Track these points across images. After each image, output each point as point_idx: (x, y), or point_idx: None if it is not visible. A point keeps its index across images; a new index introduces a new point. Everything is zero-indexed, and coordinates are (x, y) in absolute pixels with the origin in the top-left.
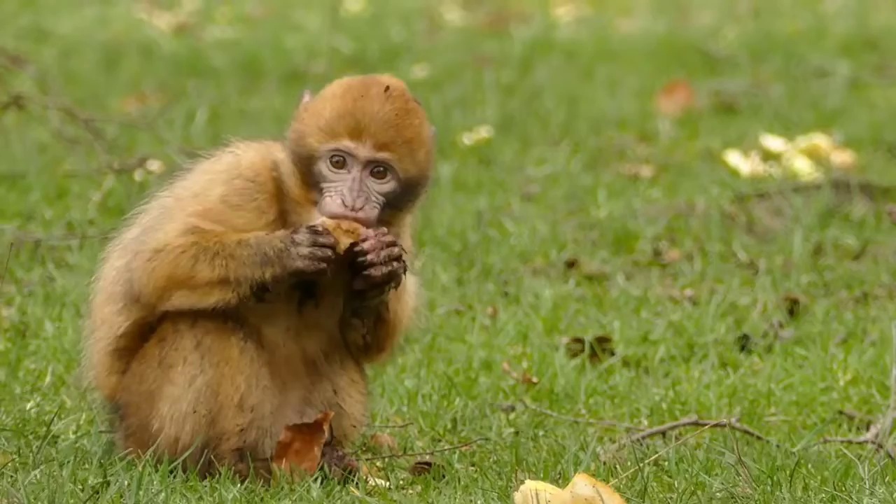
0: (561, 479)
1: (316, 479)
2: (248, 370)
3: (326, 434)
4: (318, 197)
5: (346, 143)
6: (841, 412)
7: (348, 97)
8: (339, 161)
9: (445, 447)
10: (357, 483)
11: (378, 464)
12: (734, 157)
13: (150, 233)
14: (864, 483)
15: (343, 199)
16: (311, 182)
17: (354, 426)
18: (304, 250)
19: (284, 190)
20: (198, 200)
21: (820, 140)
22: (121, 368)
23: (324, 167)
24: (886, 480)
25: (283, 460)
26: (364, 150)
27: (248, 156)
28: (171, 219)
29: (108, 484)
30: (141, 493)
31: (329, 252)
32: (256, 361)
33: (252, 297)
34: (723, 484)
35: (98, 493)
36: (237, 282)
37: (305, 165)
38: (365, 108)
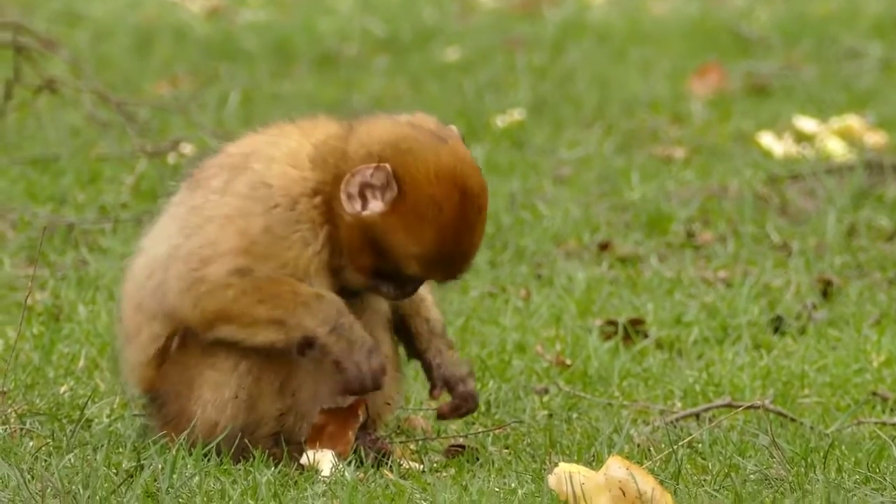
0: (595, 462)
1: (350, 462)
2: (290, 354)
3: (362, 418)
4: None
5: (434, 275)
6: (875, 393)
7: (450, 229)
8: None
9: (479, 430)
10: (391, 466)
11: (412, 447)
12: (767, 139)
13: (188, 259)
14: None
15: None
16: (370, 259)
17: (389, 404)
18: (366, 367)
19: (333, 220)
20: (239, 231)
21: (853, 121)
22: (159, 362)
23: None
24: None
25: (317, 443)
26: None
27: (278, 176)
28: (213, 249)
29: (142, 467)
30: (175, 476)
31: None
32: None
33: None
34: (756, 466)
35: (132, 476)
36: (293, 328)
37: (377, 259)
38: (462, 245)
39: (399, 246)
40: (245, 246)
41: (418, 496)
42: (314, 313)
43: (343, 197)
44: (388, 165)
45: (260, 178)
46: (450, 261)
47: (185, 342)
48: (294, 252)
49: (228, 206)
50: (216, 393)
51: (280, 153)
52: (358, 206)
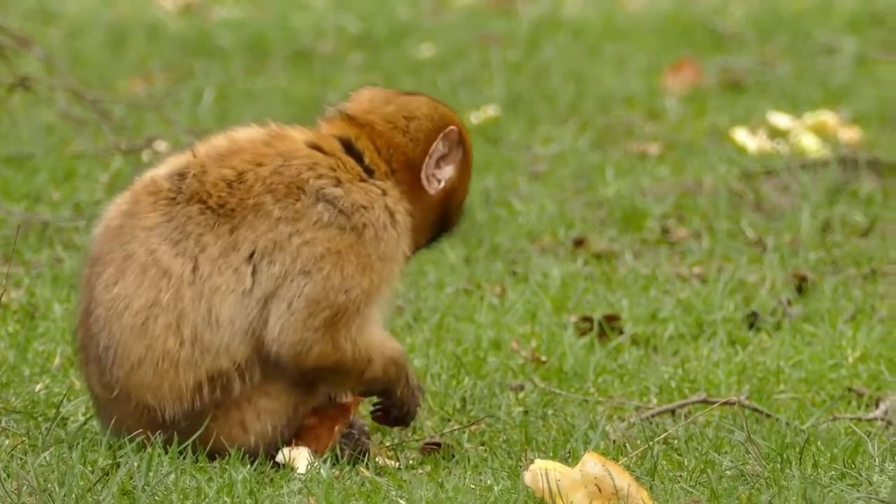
0: (570, 458)
1: (325, 459)
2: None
3: (352, 418)
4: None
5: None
6: (850, 389)
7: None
8: None
9: (455, 427)
10: (367, 463)
11: (387, 444)
12: (742, 135)
13: (314, 306)
14: (874, 460)
15: None
16: (429, 233)
17: None
18: (416, 407)
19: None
20: (361, 268)
21: (827, 117)
22: (206, 385)
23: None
24: None
25: (300, 441)
26: None
27: (360, 193)
28: (345, 295)
29: (118, 465)
30: (150, 474)
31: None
32: None
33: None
34: (732, 462)
35: (108, 474)
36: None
37: (440, 225)
38: None
39: (461, 198)
40: (373, 283)
41: (394, 493)
42: (406, 367)
43: (425, 182)
44: (455, 128)
45: (346, 200)
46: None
47: (243, 371)
48: (399, 266)
49: (330, 240)
50: (267, 421)
51: (327, 163)
52: (436, 182)
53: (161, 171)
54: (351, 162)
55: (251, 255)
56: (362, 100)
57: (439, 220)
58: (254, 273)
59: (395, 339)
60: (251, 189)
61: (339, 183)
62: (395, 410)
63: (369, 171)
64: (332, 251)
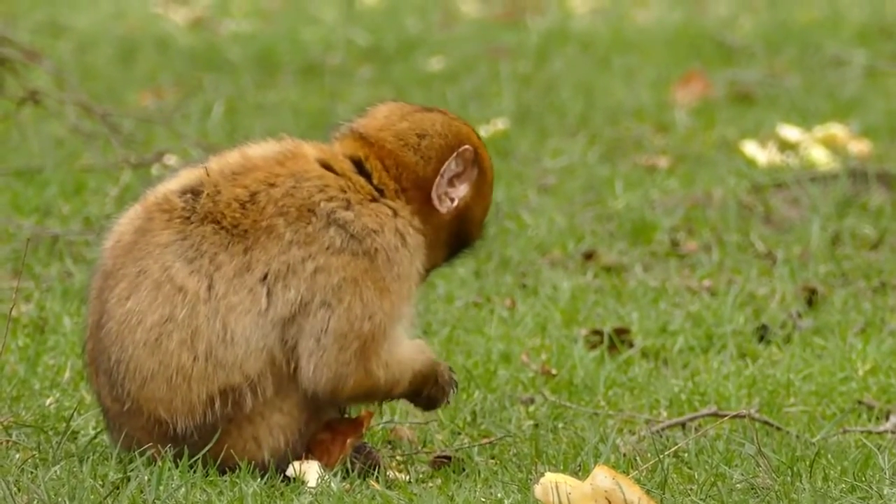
0: (581, 472)
1: (336, 473)
2: None
3: (364, 432)
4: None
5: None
6: (860, 402)
7: (492, 186)
8: None
9: (465, 441)
10: (377, 477)
11: (398, 457)
12: (751, 147)
13: (339, 337)
14: (884, 473)
15: None
16: (446, 250)
17: None
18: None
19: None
20: (379, 292)
21: (837, 129)
22: (218, 399)
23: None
24: None
25: (312, 454)
26: None
27: (372, 216)
28: (371, 323)
29: (129, 479)
30: (161, 487)
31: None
32: None
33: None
34: (743, 475)
35: (118, 488)
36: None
37: (457, 243)
38: None
39: (478, 216)
40: (393, 304)
41: None
42: (435, 372)
43: (436, 202)
44: (469, 147)
45: (357, 224)
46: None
47: (255, 386)
48: (414, 283)
49: (344, 267)
50: (279, 437)
51: (337, 185)
52: (448, 202)
53: (173, 187)
54: (361, 181)
55: (265, 277)
56: (377, 116)
57: (454, 237)
58: (269, 295)
59: (421, 345)
60: (263, 211)
61: (349, 205)
62: (421, 404)
63: (379, 191)
64: (349, 279)
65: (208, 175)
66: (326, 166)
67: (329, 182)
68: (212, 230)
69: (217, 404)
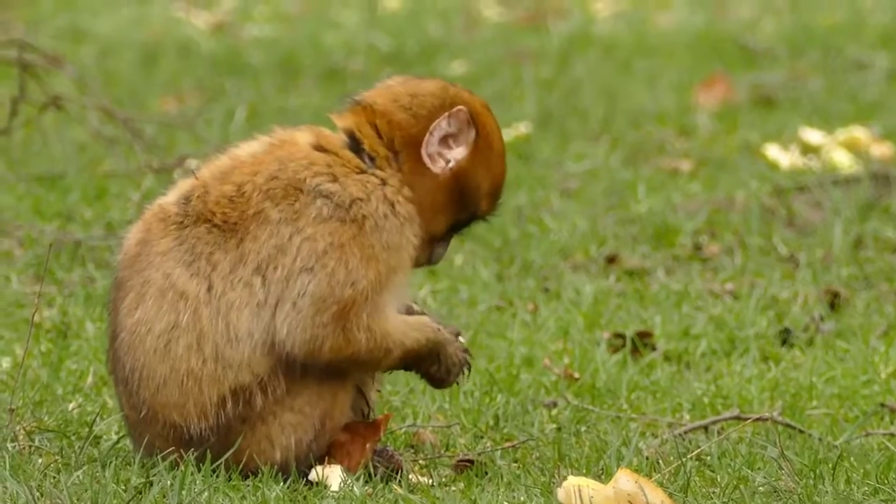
0: (604, 475)
1: (359, 477)
2: (352, 390)
3: (382, 434)
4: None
5: (494, 207)
6: (883, 405)
7: (503, 153)
8: None
9: (488, 445)
10: (400, 480)
11: (421, 461)
12: (773, 151)
13: (321, 305)
14: None
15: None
16: (448, 218)
17: (379, 391)
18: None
19: (419, 197)
20: (365, 259)
21: (859, 132)
22: (230, 399)
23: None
24: None
25: (333, 458)
26: None
27: (358, 185)
28: (352, 288)
29: (151, 484)
30: (184, 492)
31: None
32: (354, 377)
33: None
34: (765, 478)
35: (141, 493)
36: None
37: (459, 209)
38: (506, 167)
39: (481, 183)
40: (380, 273)
41: None
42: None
43: (426, 160)
44: (463, 108)
45: (343, 194)
46: (503, 187)
47: (265, 384)
48: (407, 253)
49: (331, 233)
50: (291, 435)
51: (324, 161)
52: (442, 162)
53: (169, 198)
54: (349, 155)
55: (258, 267)
56: (379, 86)
57: (455, 204)
58: (264, 284)
59: (421, 322)
60: (250, 199)
61: (335, 178)
62: (427, 381)
63: (371, 159)
64: (335, 245)
65: (198, 180)
66: (316, 147)
67: (315, 160)
68: (205, 230)
69: (229, 405)
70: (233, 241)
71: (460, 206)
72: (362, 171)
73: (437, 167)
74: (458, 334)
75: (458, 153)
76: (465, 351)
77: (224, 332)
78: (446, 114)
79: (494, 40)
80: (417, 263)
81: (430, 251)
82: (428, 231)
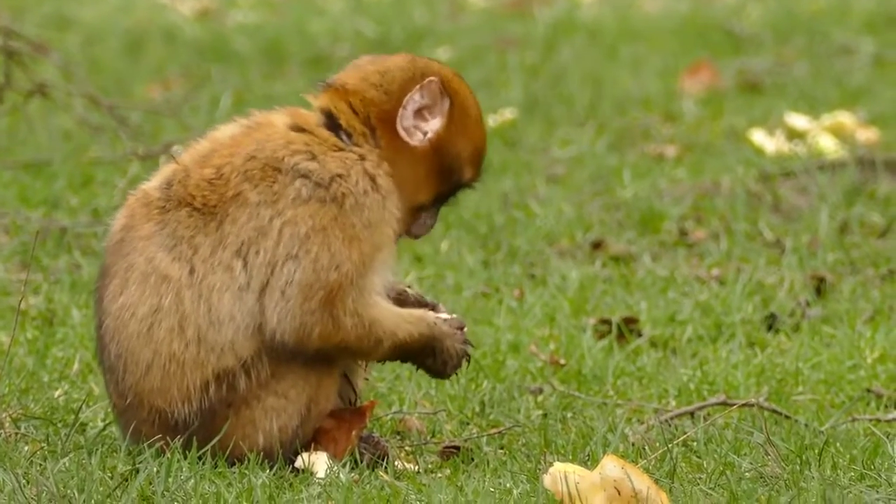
0: (590, 461)
1: (344, 463)
2: (338, 376)
3: (367, 421)
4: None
5: (478, 174)
6: (869, 390)
7: (481, 120)
8: None
9: (474, 432)
10: (386, 467)
11: (407, 448)
12: (759, 136)
13: (308, 290)
14: (893, 461)
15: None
16: (431, 189)
17: (367, 379)
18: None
19: (398, 171)
20: (348, 240)
21: (845, 118)
22: (213, 384)
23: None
24: None
25: (319, 445)
26: None
27: (337, 163)
28: (336, 272)
29: (138, 471)
30: (170, 479)
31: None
32: (340, 366)
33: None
34: (752, 463)
35: (127, 480)
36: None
37: (442, 180)
38: (486, 133)
39: (461, 151)
40: (363, 253)
41: (413, 497)
42: (432, 344)
43: (403, 134)
44: (434, 79)
45: (322, 171)
46: (484, 152)
47: (247, 367)
48: (389, 229)
49: (312, 216)
50: (274, 420)
51: (301, 140)
52: (420, 134)
53: (152, 183)
54: (325, 134)
55: (238, 250)
56: (348, 67)
57: (438, 175)
58: (245, 267)
59: (417, 316)
60: (229, 181)
61: (313, 157)
62: (428, 373)
63: (348, 135)
64: (317, 228)
65: (179, 164)
66: (293, 127)
67: (292, 139)
68: (186, 214)
69: (212, 389)
70: (213, 224)
71: (443, 177)
72: (340, 149)
73: (415, 140)
74: (462, 327)
75: (434, 124)
76: (466, 342)
77: (206, 316)
78: (418, 86)
79: (480, 26)
80: (406, 234)
81: (417, 221)
82: (411, 204)
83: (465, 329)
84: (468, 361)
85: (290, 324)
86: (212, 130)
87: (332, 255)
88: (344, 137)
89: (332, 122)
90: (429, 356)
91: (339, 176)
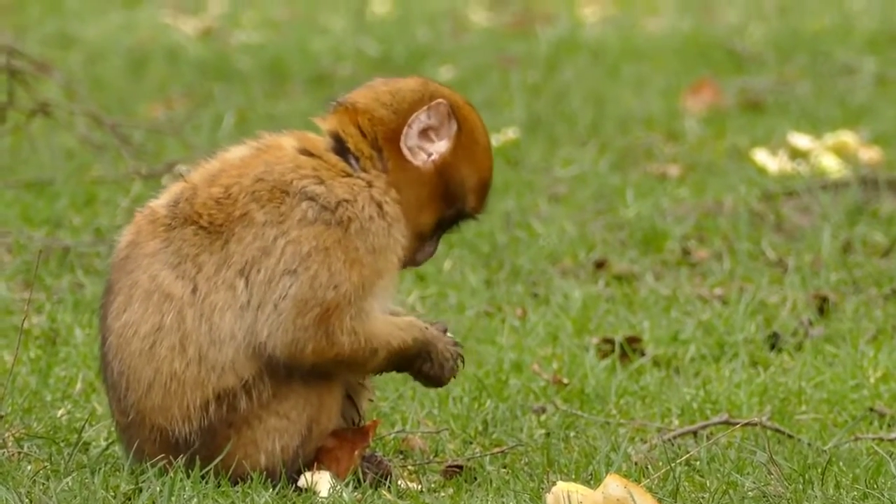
0: (592, 480)
1: (348, 483)
2: (340, 396)
3: (371, 441)
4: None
5: (482, 204)
6: (872, 409)
7: (489, 149)
8: None
9: (477, 451)
10: (389, 486)
11: (410, 467)
12: (762, 156)
13: (303, 308)
14: None
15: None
16: (434, 214)
17: (371, 400)
18: (451, 370)
19: (404, 196)
20: (349, 263)
21: (847, 137)
22: (213, 403)
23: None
24: None
25: (322, 464)
26: None
27: (345, 188)
28: (335, 291)
29: (140, 490)
30: (173, 498)
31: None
32: (342, 382)
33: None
34: (755, 483)
35: (130, 499)
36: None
37: (445, 205)
38: (493, 163)
39: (466, 179)
40: (364, 276)
41: None
42: (426, 349)
43: (407, 153)
44: (443, 101)
45: (329, 196)
46: (490, 184)
47: (247, 387)
48: (394, 255)
49: (316, 237)
50: (276, 441)
51: (310, 164)
52: (424, 155)
53: (160, 201)
54: (334, 159)
55: (242, 269)
56: (361, 87)
57: (441, 200)
58: (247, 286)
59: (407, 322)
60: (237, 201)
61: (321, 181)
62: (421, 380)
63: (356, 158)
64: (319, 248)
65: (187, 182)
66: (302, 151)
67: (301, 163)
68: (192, 232)
69: (212, 408)
70: (218, 243)
71: (446, 202)
72: (348, 174)
73: (419, 160)
74: (444, 330)
75: (440, 146)
76: (456, 344)
77: (207, 334)
78: (425, 106)
79: (482, 45)
80: (405, 264)
81: (418, 251)
82: (415, 229)
83: (448, 332)
84: (462, 362)
85: (280, 338)
86: (222, 151)
87: (331, 274)
88: (352, 162)
89: (340, 147)
90: (425, 361)
91: (346, 201)
